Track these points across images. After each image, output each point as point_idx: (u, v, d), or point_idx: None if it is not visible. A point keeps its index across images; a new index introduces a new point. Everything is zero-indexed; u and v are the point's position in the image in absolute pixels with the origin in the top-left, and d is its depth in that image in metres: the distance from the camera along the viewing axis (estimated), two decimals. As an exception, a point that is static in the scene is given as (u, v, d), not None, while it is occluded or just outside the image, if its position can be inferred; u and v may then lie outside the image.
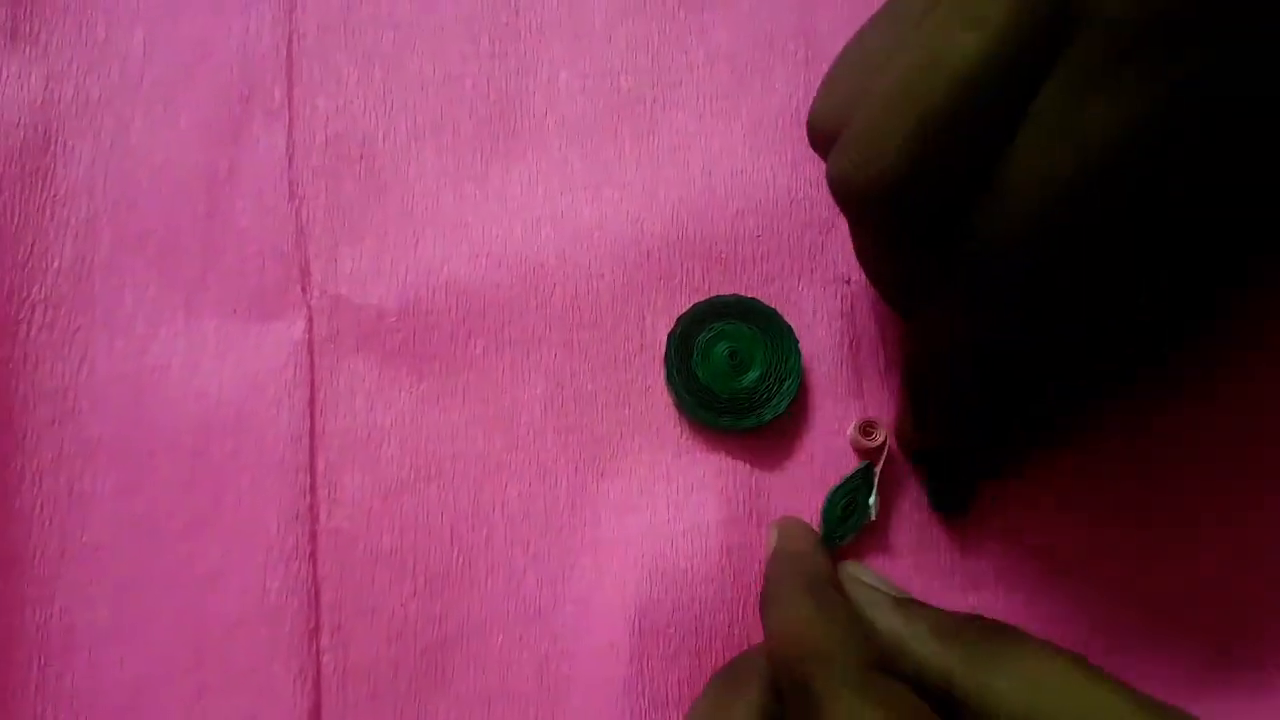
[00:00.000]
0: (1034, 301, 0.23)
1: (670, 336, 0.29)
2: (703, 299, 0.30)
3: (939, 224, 0.23)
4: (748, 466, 0.29)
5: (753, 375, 0.29)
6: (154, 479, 0.29)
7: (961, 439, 0.27)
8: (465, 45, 0.32)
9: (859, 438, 0.29)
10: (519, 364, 0.30)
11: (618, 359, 0.30)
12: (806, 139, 0.26)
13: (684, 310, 0.29)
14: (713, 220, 0.31)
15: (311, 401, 0.29)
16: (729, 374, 0.29)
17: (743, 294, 0.30)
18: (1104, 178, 0.21)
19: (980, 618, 0.24)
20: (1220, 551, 0.28)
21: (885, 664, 0.23)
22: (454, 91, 0.32)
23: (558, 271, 0.30)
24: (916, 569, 0.28)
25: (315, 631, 0.28)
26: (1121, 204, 0.21)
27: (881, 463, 0.28)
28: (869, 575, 0.27)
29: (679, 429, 0.29)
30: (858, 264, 0.28)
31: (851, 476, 0.28)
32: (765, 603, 0.24)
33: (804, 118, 0.27)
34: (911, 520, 0.29)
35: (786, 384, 0.29)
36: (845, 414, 0.29)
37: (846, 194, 0.23)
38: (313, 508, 0.28)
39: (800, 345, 0.29)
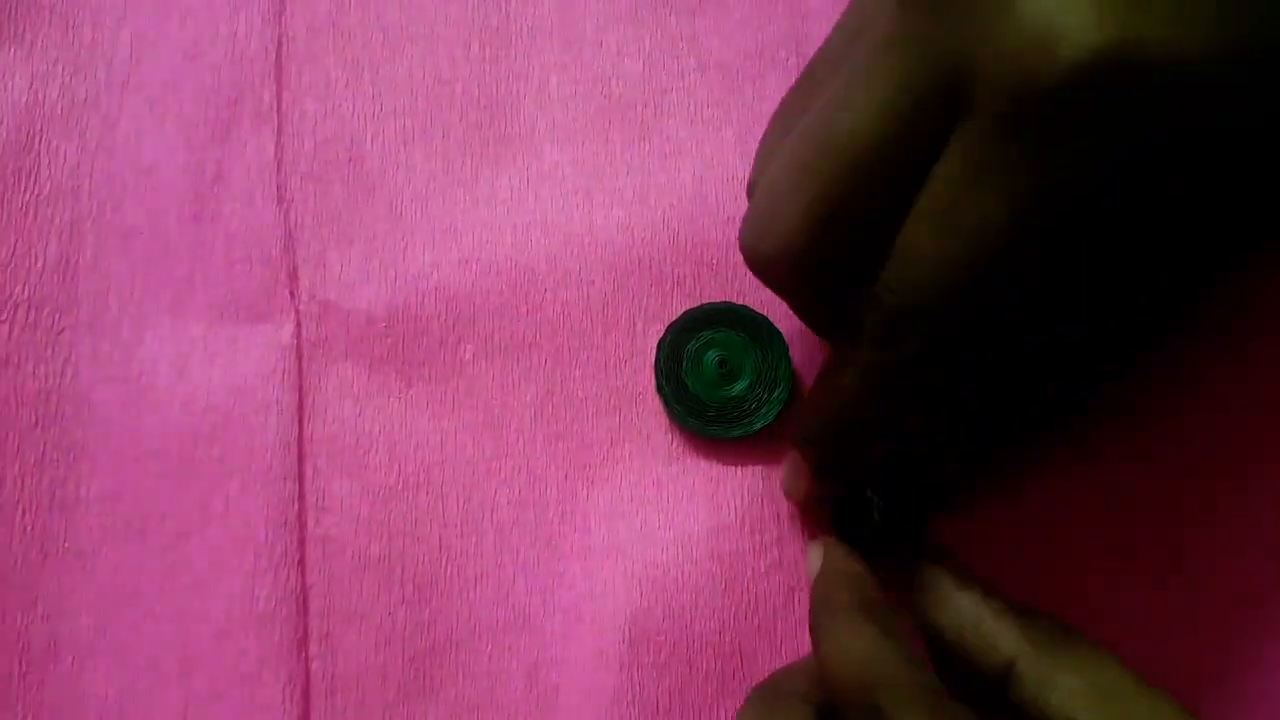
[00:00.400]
0: (937, 366, 0.23)
1: (660, 344, 0.29)
2: (693, 306, 0.29)
3: (844, 290, 0.23)
4: (738, 474, 0.29)
5: (742, 384, 0.29)
6: (139, 484, 0.28)
7: (872, 479, 0.27)
8: (455, 49, 0.32)
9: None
10: (509, 370, 0.30)
11: (608, 366, 0.30)
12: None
13: (675, 318, 0.29)
14: (704, 227, 0.31)
15: (299, 407, 0.29)
16: (718, 382, 0.29)
17: (733, 301, 0.30)
18: (984, 265, 0.21)
19: (1050, 615, 0.24)
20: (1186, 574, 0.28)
21: (941, 657, 0.24)
22: (444, 95, 0.31)
23: (548, 277, 0.30)
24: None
25: (303, 640, 0.27)
26: (1012, 284, 0.21)
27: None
28: (940, 552, 0.27)
29: (669, 437, 0.29)
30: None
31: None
32: (817, 626, 0.24)
33: None
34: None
35: (776, 392, 0.29)
36: (835, 422, 0.29)
37: (753, 264, 0.24)
38: (301, 515, 0.28)
39: (790, 352, 0.29)
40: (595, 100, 0.31)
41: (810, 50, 0.31)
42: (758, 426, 0.29)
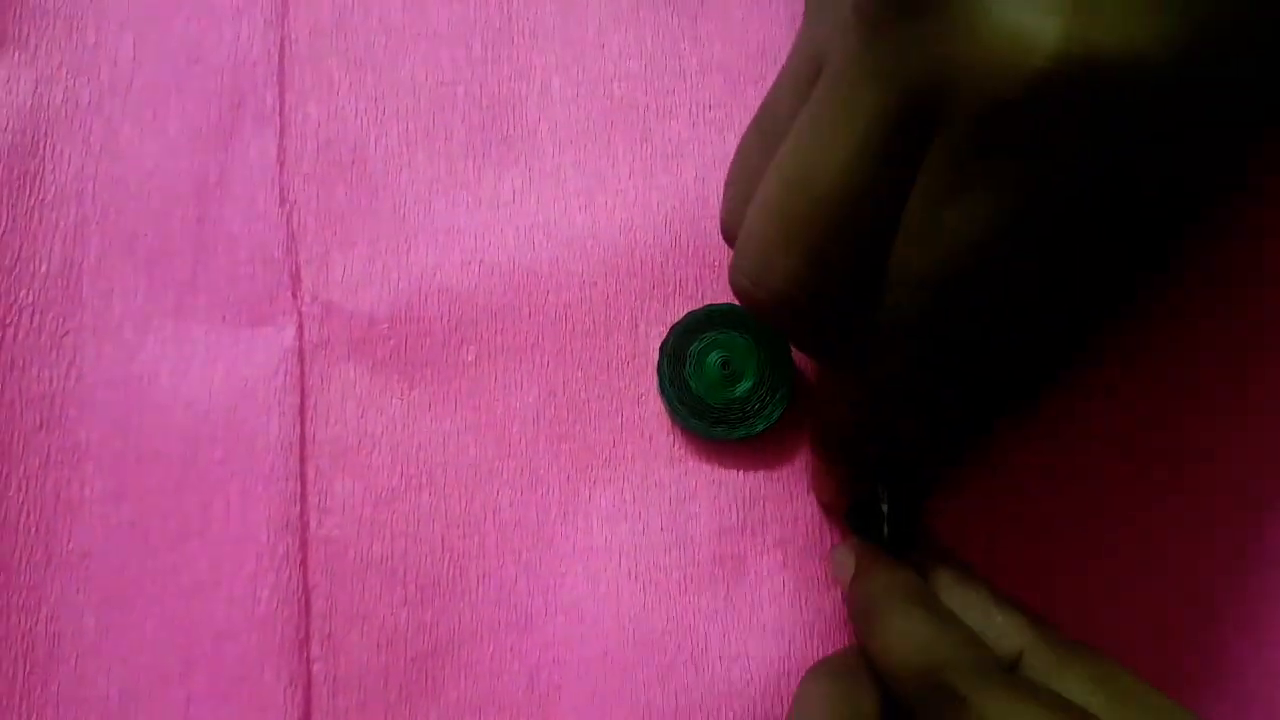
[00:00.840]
0: (926, 374, 0.23)
1: (663, 346, 0.29)
2: (696, 307, 0.29)
3: (841, 320, 0.23)
4: (741, 476, 0.29)
5: (745, 385, 0.29)
6: (142, 486, 0.28)
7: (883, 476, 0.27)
8: (458, 51, 0.32)
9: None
10: (511, 372, 0.30)
11: (611, 367, 0.30)
12: None
13: (677, 319, 0.29)
14: (707, 229, 0.31)
15: (302, 408, 0.29)
16: (721, 384, 0.29)
17: (736, 303, 0.30)
18: (971, 277, 0.21)
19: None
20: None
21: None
22: (446, 97, 0.31)
23: (550, 279, 0.30)
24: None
25: (305, 640, 0.27)
26: (999, 288, 0.22)
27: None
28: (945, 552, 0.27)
29: (672, 438, 0.29)
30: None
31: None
32: (870, 620, 0.25)
33: None
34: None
35: (779, 394, 0.29)
36: (838, 423, 0.29)
37: (747, 305, 0.24)
38: (303, 515, 0.28)
39: (793, 354, 0.29)
40: (597, 101, 0.31)
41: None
42: (760, 428, 0.29)
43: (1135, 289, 0.27)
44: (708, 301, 0.30)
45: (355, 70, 0.31)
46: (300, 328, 0.30)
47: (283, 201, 0.30)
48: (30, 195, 0.30)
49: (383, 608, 0.28)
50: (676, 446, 0.29)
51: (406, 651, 0.28)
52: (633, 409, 0.30)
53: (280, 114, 0.31)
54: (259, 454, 0.28)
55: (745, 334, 0.29)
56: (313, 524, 0.28)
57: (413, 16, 0.32)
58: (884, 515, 0.27)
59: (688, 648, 0.28)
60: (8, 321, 0.29)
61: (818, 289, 0.23)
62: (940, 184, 0.21)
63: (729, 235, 0.26)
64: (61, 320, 0.29)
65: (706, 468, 0.29)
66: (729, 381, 0.29)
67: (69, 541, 0.28)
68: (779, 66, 0.31)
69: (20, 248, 0.30)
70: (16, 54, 0.31)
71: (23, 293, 0.29)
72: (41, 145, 0.30)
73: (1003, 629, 0.24)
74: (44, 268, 0.30)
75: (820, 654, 0.28)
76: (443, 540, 0.29)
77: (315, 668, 0.27)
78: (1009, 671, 0.23)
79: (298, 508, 0.28)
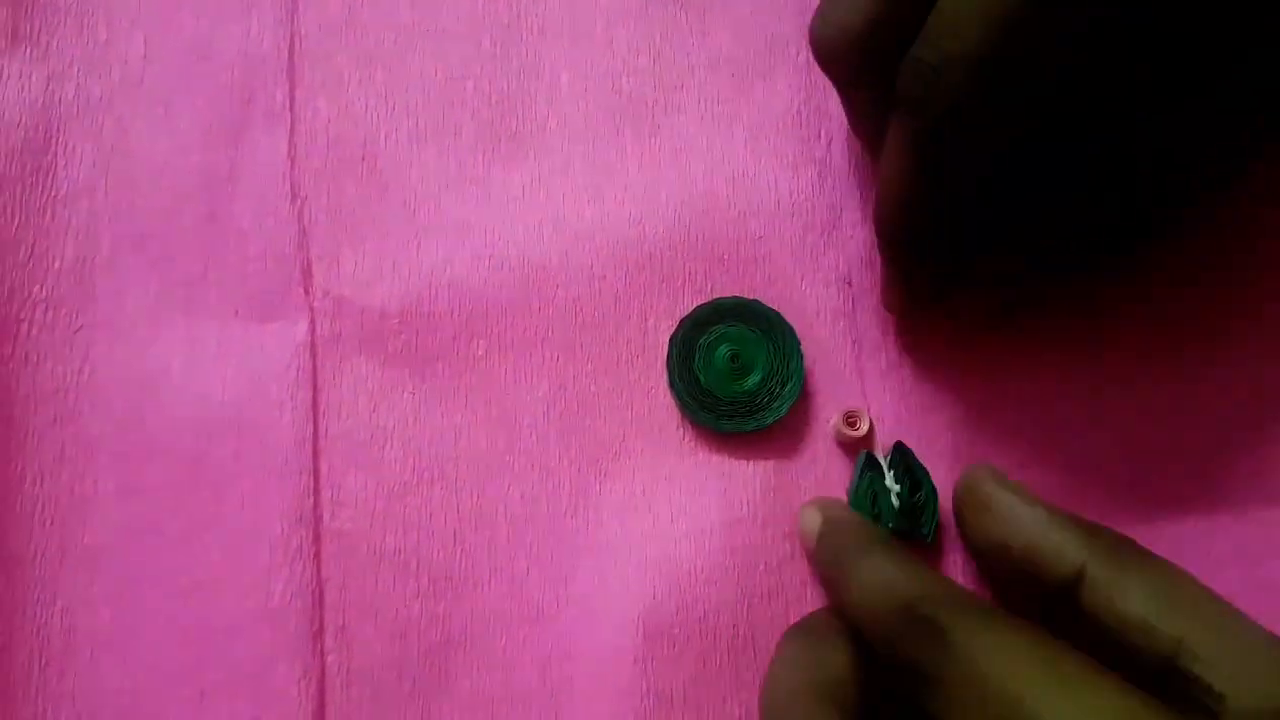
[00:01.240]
0: (974, 130, 0.24)
1: (672, 339, 0.29)
2: (705, 301, 0.30)
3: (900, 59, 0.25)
4: (751, 468, 0.29)
5: (754, 378, 0.29)
6: (155, 481, 0.29)
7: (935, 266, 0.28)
8: (467, 47, 0.32)
9: (844, 429, 0.29)
10: (521, 366, 0.30)
11: (620, 361, 0.30)
12: (811, 132, 0.29)
13: (686, 313, 0.29)
14: (714, 222, 0.31)
15: (314, 404, 0.29)
16: (731, 377, 0.29)
17: (745, 296, 0.30)
18: (1022, 10, 0.22)
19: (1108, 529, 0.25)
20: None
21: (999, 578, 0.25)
22: (455, 93, 0.32)
23: (560, 273, 0.30)
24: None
25: (319, 633, 0.28)
26: (1040, 40, 0.23)
27: (877, 446, 0.29)
28: (995, 472, 0.27)
29: (681, 431, 0.29)
30: (858, 266, 0.29)
31: (860, 474, 0.28)
32: (838, 569, 0.25)
33: (806, 118, 0.30)
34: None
35: (788, 386, 0.29)
36: (847, 415, 0.30)
37: (820, 52, 0.26)
38: (316, 510, 0.28)
39: (802, 347, 0.29)
40: (606, 96, 0.32)
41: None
42: (770, 420, 0.29)
43: (1188, 172, 0.27)
44: (716, 294, 0.30)
45: (365, 66, 0.31)
46: (312, 323, 0.30)
47: (293, 198, 0.31)
48: (43, 192, 0.30)
49: (395, 600, 0.28)
50: (686, 439, 0.29)
51: (420, 643, 0.28)
52: (642, 402, 0.30)
53: (290, 110, 0.31)
54: (271, 449, 0.29)
55: (754, 328, 0.29)
56: (326, 518, 0.28)
57: (422, 13, 0.32)
58: (890, 502, 0.28)
59: (698, 639, 0.28)
60: (21, 317, 0.29)
61: (880, 22, 0.24)
62: None
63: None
64: (74, 316, 0.30)
65: (716, 460, 0.29)
66: (738, 375, 0.29)
67: (83, 536, 0.28)
68: (787, 61, 0.31)
69: (34, 243, 0.30)
70: (29, 50, 0.31)
71: (36, 288, 0.30)
72: (53, 142, 0.30)
73: (1061, 547, 0.24)
74: (57, 264, 0.30)
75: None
76: (455, 534, 0.29)
77: (329, 660, 0.28)
78: (1063, 590, 0.23)
79: (311, 501, 0.28)
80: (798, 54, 0.32)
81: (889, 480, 0.28)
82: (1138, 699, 0.20)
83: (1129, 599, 0.23)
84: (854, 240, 0.31)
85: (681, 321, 0.29)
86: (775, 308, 0.30)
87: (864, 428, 0.29)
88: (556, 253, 0.30)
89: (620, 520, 0.29)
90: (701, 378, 0.29)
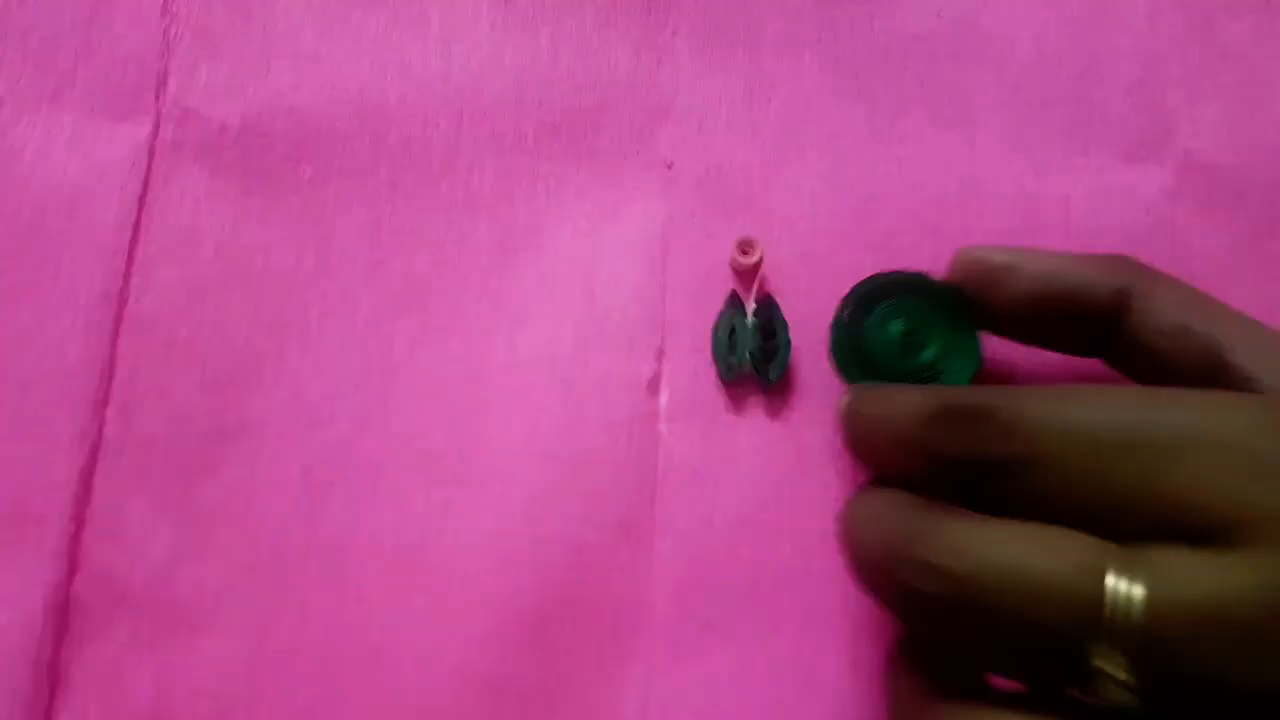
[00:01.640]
0: None
1: (837, 319, 0.28)
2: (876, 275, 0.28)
3: None
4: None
5: (929, 353, 0.27)
6: (-8, 248, 0.31)
7: None
8: (356, -100, 0.34)
9: (737, 256, 0.31)
10: (343, 194, 0.31)
11: (437, 206, 0.31)
12: (656, 20, 0.28)
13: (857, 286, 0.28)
14: (552, 92, 0.32)
15: (142, 198, 0.31)
16: (902, 353, 0.27)
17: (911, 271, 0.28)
18: None
19: None
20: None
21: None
22: (340, -58, 0.33)
23: (396, 114, 0.32)
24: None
25: (103, 402, 0.30)
26: None
27: (757, 283, 0.31)
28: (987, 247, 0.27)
29: (485, 277, 0.31)
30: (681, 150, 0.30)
31: (726, 306, 0.30)
32: (870, 415, 0.25)
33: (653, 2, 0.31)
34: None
35: (964, 357, 0.27)
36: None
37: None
38: (123, 291, 0.30)
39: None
40: (473, -40, 0.33)
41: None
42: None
43: None
44: (544, 157, 0.31)
45: (251, -100, 0.33)
46: (157, 126, 0.32)
47: (164, 13, 0.33)
48: (-62, -26, 0.33)
49: (180, 387, 0.30)
50: (485, 289, 0.31)
51: (195, 429, 0.30)
52: (454, 248, 0.31)
53: (174, -69, 0.33)
54: (95, 230, 0.31)
55: (924, 299, 0.27)
56: (131, 301, 0.30)
57: None
58: (750, 329, 0.29)
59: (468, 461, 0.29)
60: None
61: None
62: None
63: None
64: (-49, 94, 0.32)
65: (512, 307, 0.31)
66: (910, 350, 0.27)
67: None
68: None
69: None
70: None
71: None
72: (-47, -71, 0.33)
73: (1098, 276, 0.25)
74: (-58, 43, 0.32)
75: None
76: (247, 339, 0.30)
77: (107, 430, 0.29)
78: (1107, 318, 0.25)
79: (120, 283, 0.30)
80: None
81: (750, 319, 0.30)
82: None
83: (1165, 311, 0.24)
84: (681, 126, 0.32)
85: (844, 300, 0.28)
86: (592, 179, 0.31)
87: (756, 256, 0.31)
88: (396, 95, 0.32)
89: (409, 352, 0.31)
90: (876, 356, 0.27)
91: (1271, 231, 0.32)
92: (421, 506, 0.29)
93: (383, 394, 0.30)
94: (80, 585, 0.28)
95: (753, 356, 0.30)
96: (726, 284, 0.31)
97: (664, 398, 0.30)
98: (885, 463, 0.25)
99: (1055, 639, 0.20)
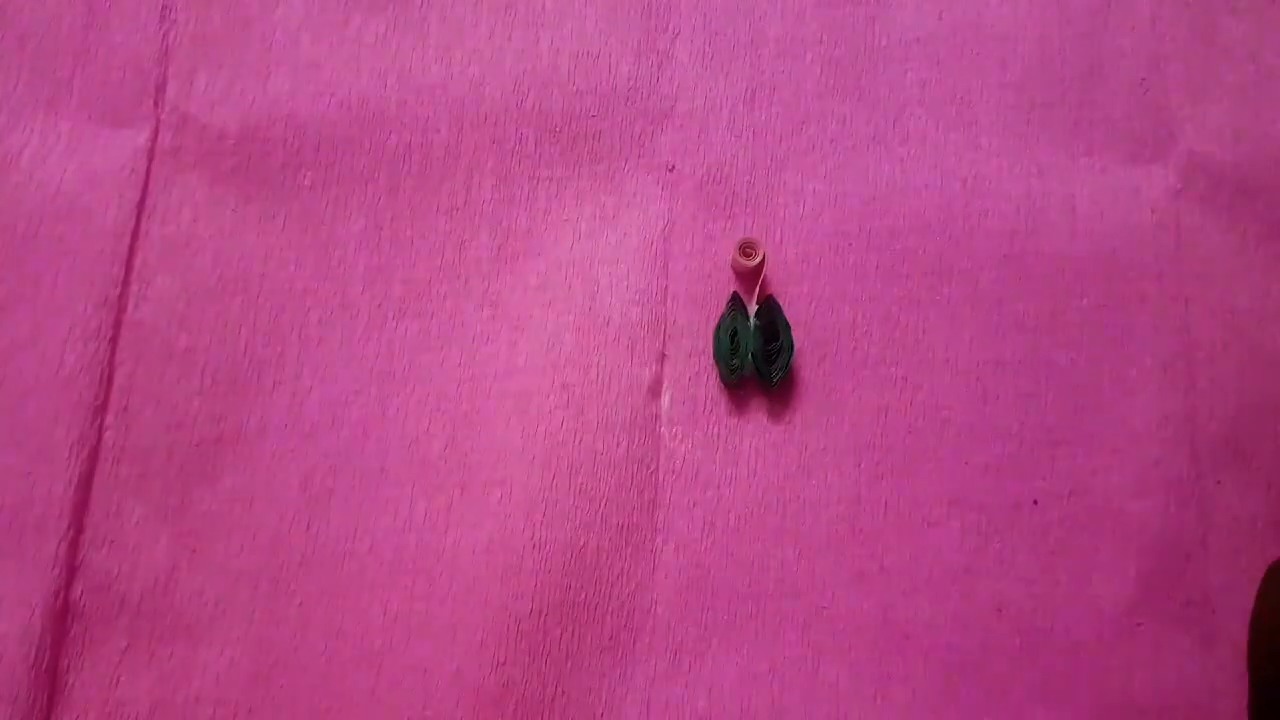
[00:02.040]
0: None
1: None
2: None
3: None
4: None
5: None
6: (-9, 256, 0.31)
7: None
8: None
9: (739, 258, 0.30)
10: (342, 201, 0.31)
11: (437, 211, 0.31)
12: (658, 23, 0.29)
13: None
14: (552, 96, 0.32)
15: (141, 205, 0.31)
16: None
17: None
18: None
19: None
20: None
21: None
22: (337, -52, 0.33)
23: (395, 120, 0.32)
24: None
25: (101, 409, 0.29)
26: None
27: (759, 284, 0.30)
28: None
29: (487, 283, 0.31)
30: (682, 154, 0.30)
31: (728, 309, 0.30)
32: None
33: (654, 8, 0.32)
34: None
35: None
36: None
37: None
38: (122, 298, 0.30)
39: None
40: (472, -35, 0.33)
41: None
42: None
43: None
44: (544, 164, 0.31)
45: (250, -93, 0.33)
46: (155, 133, 0.32)
47: (163, 19, 0.33)
48: (-62, -17, 0.33)
49: (179, 394, 0.30)
50: (489, 291, 0.31)
51: (193, 436, 0.30)
52: (454, 253, 0.31)
53: (173, -62, 0.33)
54: (93, 237, 0.31)
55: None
56: (130, 308, 0.30)
57: None
58: (753, 331, 0.29)
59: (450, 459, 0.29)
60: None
61: None
62: None
63: None
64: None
65: (513, 315, 0.30)
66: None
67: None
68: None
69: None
70: None
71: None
72: (-47, -62, 0.33)
73: None
74: (-58, 51, 0.32)
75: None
76: (246, 345, 0.30)
77: (106, 435, 0.29)
78: None
79: (118, 291, 0.30)
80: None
81: (752, 321, 0.30)
82: None
83: None
84: (682, 130, 0.32)
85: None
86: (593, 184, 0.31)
87: (758, 257, 0.30)
88: (395, 101, 0.32)
89: (410, 358, 0.30)
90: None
91: (1276, 232, 0.31)
92: (422, 513, 0.29)
93: (382, 401, 0.30)
94: (79, 593, 0.28)
95: (755, 358, 0.30)
96: (728, 286, 0.31)
97: (665, 401, 0.30)
98: None
99: None
